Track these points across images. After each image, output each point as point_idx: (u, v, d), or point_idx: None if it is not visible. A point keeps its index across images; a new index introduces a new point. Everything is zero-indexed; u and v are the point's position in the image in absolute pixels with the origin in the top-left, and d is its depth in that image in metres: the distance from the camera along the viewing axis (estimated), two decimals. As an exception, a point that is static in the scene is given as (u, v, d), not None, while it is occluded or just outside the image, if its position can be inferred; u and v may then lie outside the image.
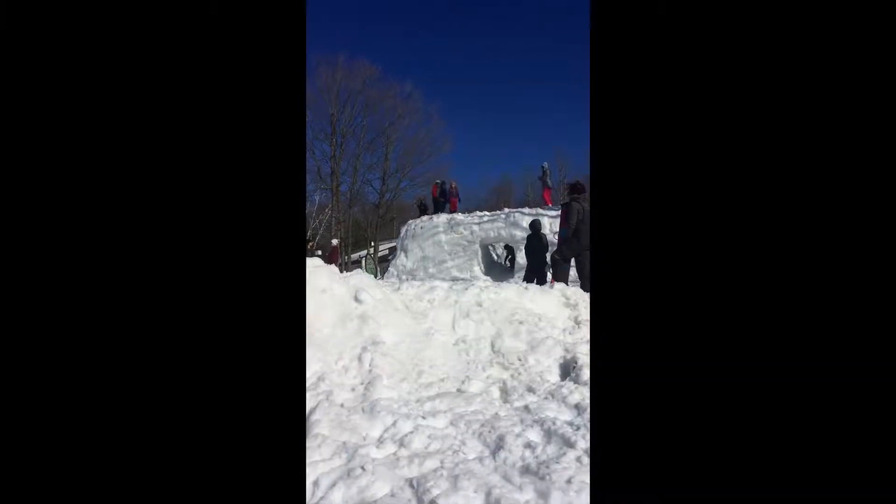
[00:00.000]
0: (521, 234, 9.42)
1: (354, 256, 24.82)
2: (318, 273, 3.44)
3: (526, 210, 11.29)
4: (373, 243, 24.34)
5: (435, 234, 11.72)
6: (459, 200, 13.93)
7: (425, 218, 12.52)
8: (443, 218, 12.08)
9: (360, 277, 3.68)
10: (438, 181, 14.83)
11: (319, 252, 11.66)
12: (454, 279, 7.67)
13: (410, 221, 12.96)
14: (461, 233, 11.48)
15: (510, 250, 9.41)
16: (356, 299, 3.40)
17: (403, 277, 10.52)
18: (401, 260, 12.06)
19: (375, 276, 11.26)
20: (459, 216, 12.10)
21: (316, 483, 1.93)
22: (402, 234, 12.71)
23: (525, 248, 6.82)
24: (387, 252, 22.98)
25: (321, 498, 1.83)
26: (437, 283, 4.32)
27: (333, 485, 1.89)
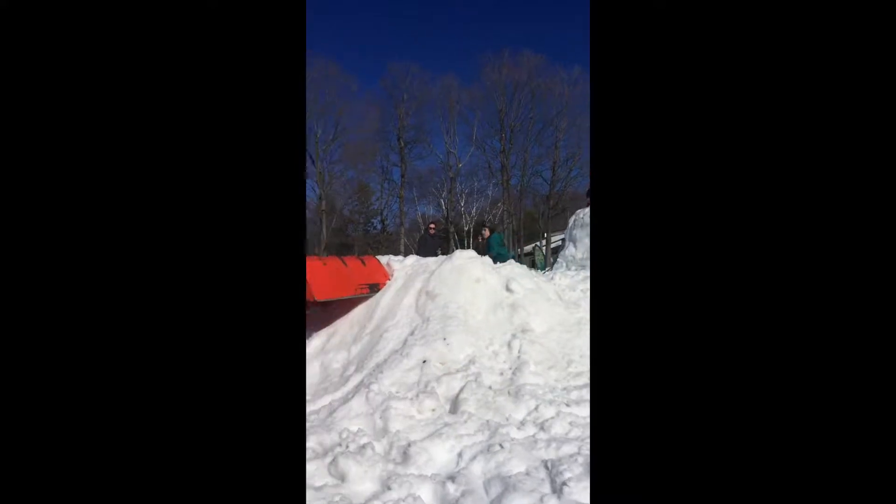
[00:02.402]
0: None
1: (527, 248, 25.02)
2: (471, 264, 3.66)
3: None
4: (545, 234, 24.22)
5: (606, 222, 11.14)
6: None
7: (595, 206, 11.95)
8: (614, 205, 11.37)
9: (511, 267, 3.79)
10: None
11: (490, 245, 12.03)
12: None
13: (578, 211, 12.51)
14: (634, 219, 10.70)
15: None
16: (507, 288, 3.53)
17: (573, 268, 10.26)
18: (569, 250, 11.74)
19: (544, 268, 11.14)
20: (633, 202, 11.26)
21: (460, 454, 2.12)
22: (570, 224, 12.38)
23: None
24: (560, 243, 22.63)
25: (463, 468, 2.00)
26: (594, 272, 4.19)
27: (474, 458, 2.05)
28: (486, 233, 6.63)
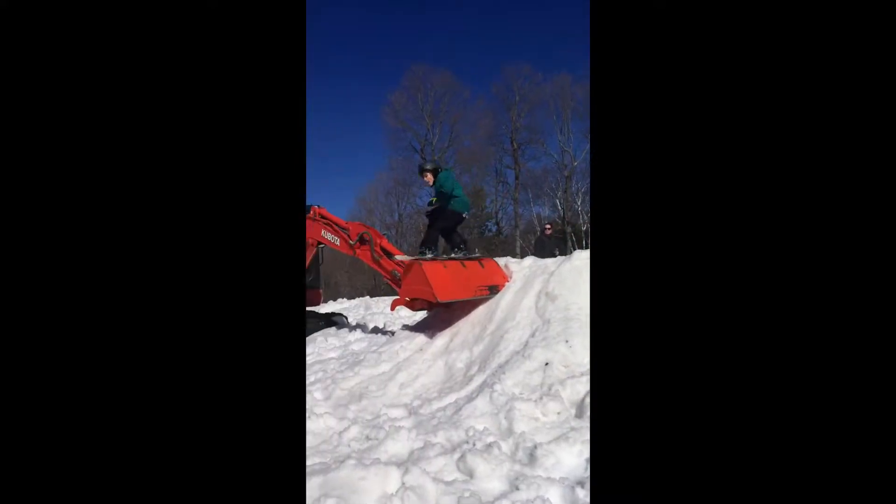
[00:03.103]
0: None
1: (652, 247, 23.35)
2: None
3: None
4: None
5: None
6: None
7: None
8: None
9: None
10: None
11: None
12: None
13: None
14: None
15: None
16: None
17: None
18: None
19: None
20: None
21: (588, 460, 2.06)
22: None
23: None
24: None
25: (592, 474, 1.94)
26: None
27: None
28: (429, 178, 4.59)
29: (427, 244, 4.43)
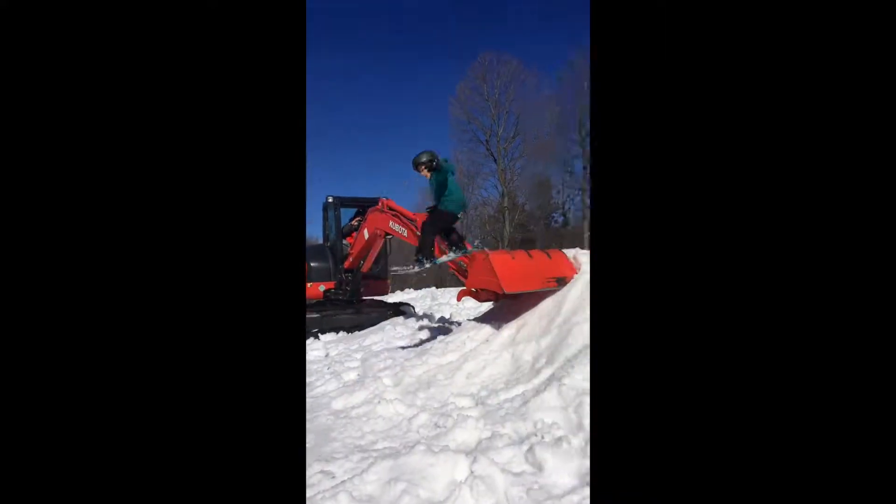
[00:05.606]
0: None
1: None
2: (669, 256, 3.35)
3: None
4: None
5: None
6: None
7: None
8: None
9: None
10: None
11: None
12: None
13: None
14: None
15: None
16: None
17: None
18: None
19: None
20: None
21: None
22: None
23: None
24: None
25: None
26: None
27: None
28: (424, 172, 4.35)
29: (421, 252, 4.22)
